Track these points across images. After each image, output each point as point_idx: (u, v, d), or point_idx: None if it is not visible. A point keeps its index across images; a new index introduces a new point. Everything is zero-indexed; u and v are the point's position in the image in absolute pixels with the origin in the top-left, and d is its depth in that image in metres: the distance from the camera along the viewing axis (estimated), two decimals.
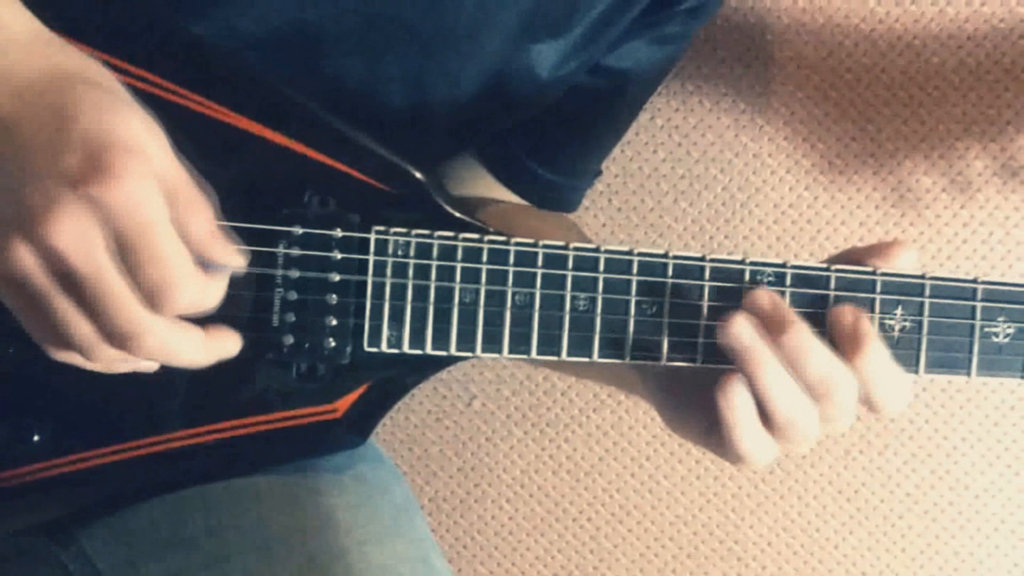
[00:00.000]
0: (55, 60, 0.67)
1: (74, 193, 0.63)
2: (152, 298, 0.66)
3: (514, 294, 0.78)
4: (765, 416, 0.75)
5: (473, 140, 1.00)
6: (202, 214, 0.68)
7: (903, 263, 0.78)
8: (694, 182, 1.31)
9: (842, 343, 0.75)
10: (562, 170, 1.02)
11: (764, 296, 0.76)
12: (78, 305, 0.66)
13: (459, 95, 0.90)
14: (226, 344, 0.74)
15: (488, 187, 1.01)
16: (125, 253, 0.65)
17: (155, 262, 0.65)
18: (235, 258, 0.71)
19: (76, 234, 0.63)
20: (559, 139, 1.01)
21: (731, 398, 0.75)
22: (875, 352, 0.74)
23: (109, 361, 0.70)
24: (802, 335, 0.74)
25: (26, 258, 0.64)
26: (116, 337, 0.67)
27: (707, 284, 0.78)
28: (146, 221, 0.64)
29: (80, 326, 0.67)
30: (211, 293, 0.70)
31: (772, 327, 0.74)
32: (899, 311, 0.78)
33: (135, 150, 0.64)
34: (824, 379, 0.74)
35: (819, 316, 0.77)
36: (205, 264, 0.69)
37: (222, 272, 0.71)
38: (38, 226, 0.63)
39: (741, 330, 0.74)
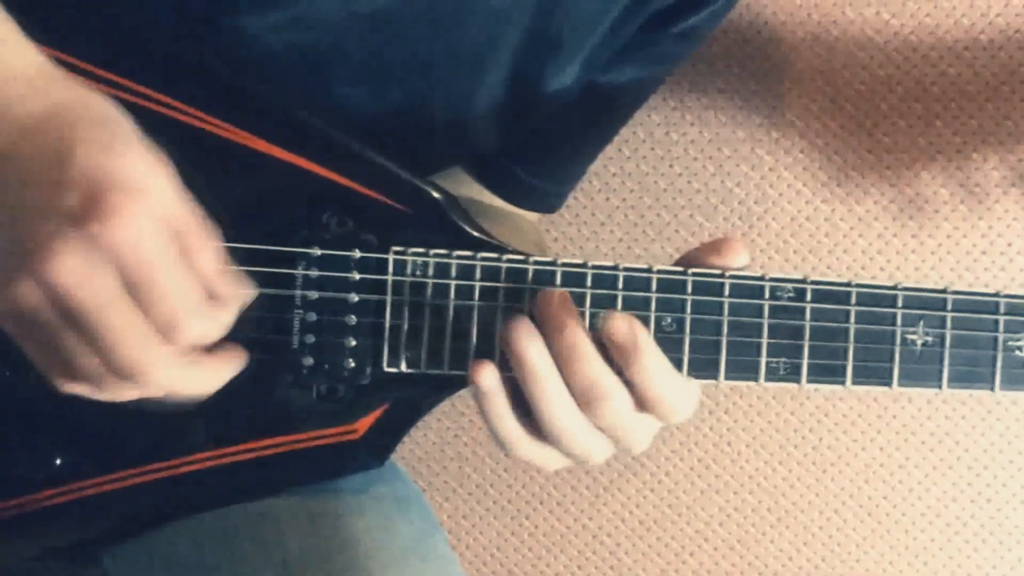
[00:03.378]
0: (57, 97, 0.67)
1: (76, 231, 0.63)
2: (161, 333, 0.67)
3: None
4: (536, 422, 0.75)
5: (471, 155, 0.99)
6: (207, 250, 0.68)
7: (737, 260, 0.77)
8: (710, 196, 1.31)
9: (615, 351, 0.74)
10: (547, 176, 1.02)
11: (553, 296, 0.75)
12: (82, 340, 0.66)
13: (463, 116, 0.90)
14: (231, 365, 0.74)
15: (469, 186, 1.00)
16: (132, 290, 0.65)
17: (161, 299, 0.66)
18: (240, 295, 0.71)
19: (78, 270, 0.64)
20: (545, 148, 1.00)
21: (480, 382, 0.75)
22: (649, 358, 0.74)
23: (116, 394, 0.70)
24: (575, 337, 0.73)
25: (31, 294, 0.65)
26: (120, 372, 0.67)
27: (727, 300, 0.77)
28: (147, 260, 0.65)
29: (85, 361, 0.67)
30: (220, 323, 0.71)
31: (549, 327, 0.74)
32: (921, 325, 0.77)
33: (135, 190, 0.64)
34: (591, 387, 0.73)
35: (841, 331, 0.77)
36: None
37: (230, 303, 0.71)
38: (41, 262, 0.64)
39: (518, 334, 0.73)
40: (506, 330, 0.74)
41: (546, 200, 1.04)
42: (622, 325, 0.74)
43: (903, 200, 1.28)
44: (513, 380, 0.75)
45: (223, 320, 0.71)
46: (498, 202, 1.01)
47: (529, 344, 0.73)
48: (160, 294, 0.66)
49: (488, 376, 0.74)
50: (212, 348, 0.73)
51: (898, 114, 1.26)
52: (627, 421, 0.76)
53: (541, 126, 0.97)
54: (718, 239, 0.78)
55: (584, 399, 0.74)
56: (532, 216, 1.04)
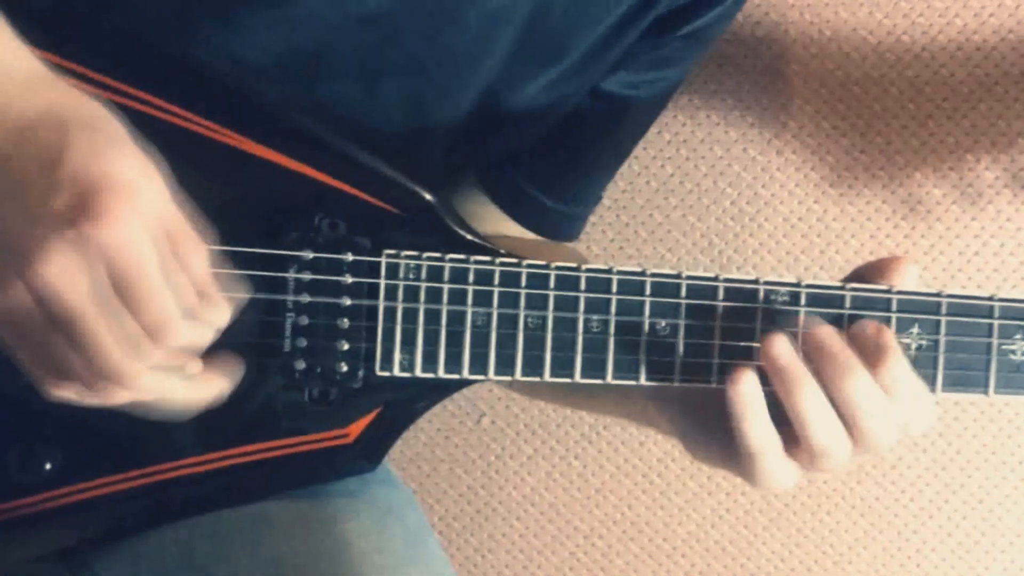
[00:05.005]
0: (51, 100, 0.67)
1: (64, 234, 0.63)
2: (149, 336, 0.67)
3: (527, 316, 0.77)
4: (797, 441, 0.75)
5: (468, 161, 0.99)
6: (199, 252, 0.68)
7: (906, 279, 0.77)
8: (702, 196, 1.31)
9: (863, 357, 0.74)
10: (566, 198, 1.02)
11: (824, 330, 0.75)
12: (69, 344, 0.66)
13: (456, 117, 0.90)
14: (224, 379, 0.74)
15: (497, 221, 1.00)
16: (120, 292, 0.65)
17: (147, 302, 0.65)
18: (223, 313, 0.71)
19: (64, 274, 0.63)
20: (563, 167, 1.00)
21: (740, 388, 0.74)
22: (899, 367, 0.74)
23: (104, 399, 0.70)
24: (847, 355, 0.74)
25: (17, 296, 0.65)
26: (106, 376, 0.67)
27: (720, 304, 0.77)
28: (136, 262, 0.64)
29: (72, 365, 0.67)
30: (211, 327, 0.71)
31: (815, 352, 0.74)
32: (915, 329, 0.77)
33: (125, 192, 0.64)
34: (862, 404, 0.73)
35: None
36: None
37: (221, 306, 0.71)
38: (29, 265, 0.63)
39: (781, 349, 0.74)
40: (768, 346, 0.74)
41: (566, 224, 1.04)
42: (874, 330, 0.75)
43: (896, 201, 1.28)
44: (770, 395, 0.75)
45: (214, 324, 0.71)
46: (522, 235, 1.00)
47: (797, 359, 0.74)
48: (148, 295, 0.65)
49: (750, 383, 0.74)
50: (209, 362, 0.73)
51: (891, 114, 1.26)
52: (888, 437, 0.75)
53: (557, 140, 0.97)
54: (884, 259, 0.79)
55: (854, 418, 0.74)
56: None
